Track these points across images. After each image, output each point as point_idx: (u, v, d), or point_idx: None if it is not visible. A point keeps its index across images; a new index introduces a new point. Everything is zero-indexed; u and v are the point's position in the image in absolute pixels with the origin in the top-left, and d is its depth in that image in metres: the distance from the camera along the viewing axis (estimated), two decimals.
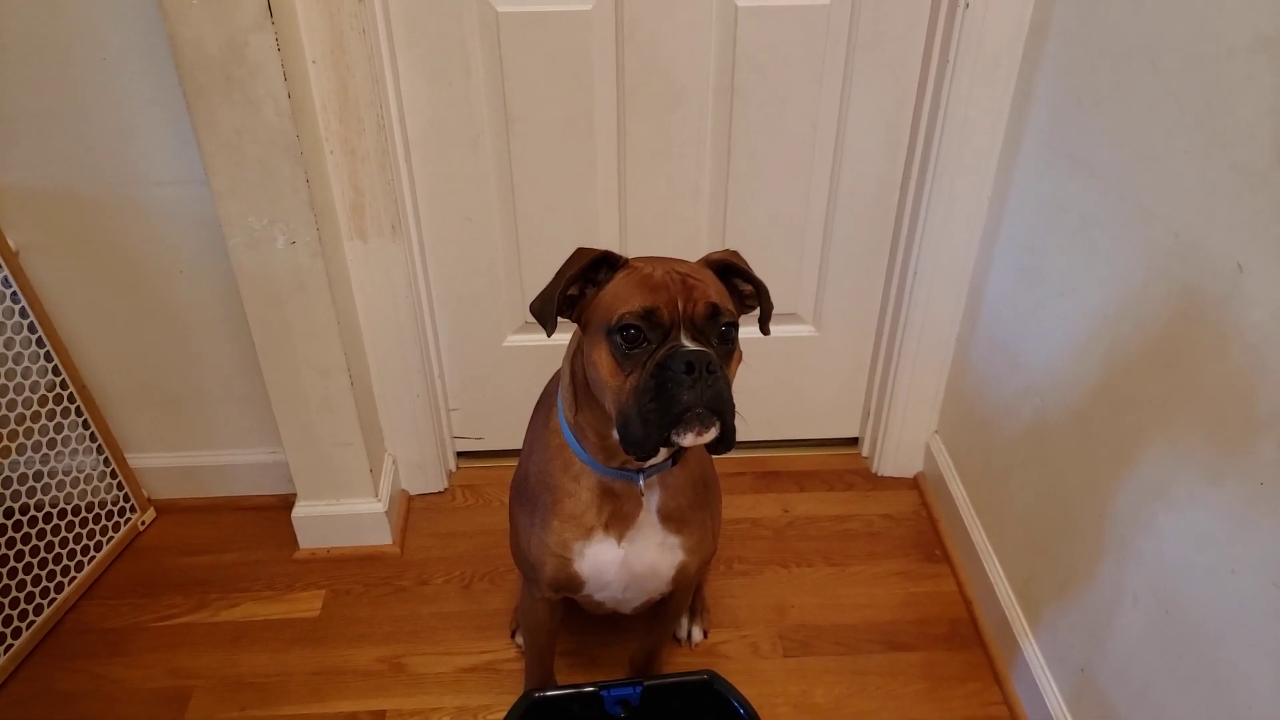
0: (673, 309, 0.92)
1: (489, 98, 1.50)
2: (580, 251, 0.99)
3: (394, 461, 1.77)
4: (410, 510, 1.82)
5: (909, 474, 1.91)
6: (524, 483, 1.17)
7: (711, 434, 0.91)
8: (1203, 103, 0.99)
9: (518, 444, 1.91)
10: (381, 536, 1.70)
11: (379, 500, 1.67)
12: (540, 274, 1.68)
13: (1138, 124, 1.11)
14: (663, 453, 0.98)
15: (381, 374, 1.67)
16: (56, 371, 1.58)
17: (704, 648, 1.54)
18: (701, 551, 1.17)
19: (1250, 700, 0.94)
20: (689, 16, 1.45)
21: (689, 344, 0.90)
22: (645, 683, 1.20)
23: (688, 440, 0.90)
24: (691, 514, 1.14)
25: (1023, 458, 1.45)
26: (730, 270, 1.04)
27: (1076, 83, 1.26)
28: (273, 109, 1.25)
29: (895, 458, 1.89)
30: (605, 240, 1.65)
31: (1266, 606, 0.91)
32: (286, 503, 1.72)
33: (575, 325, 1.06)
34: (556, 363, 1.81)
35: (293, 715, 1.44)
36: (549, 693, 1.18)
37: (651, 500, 1.10)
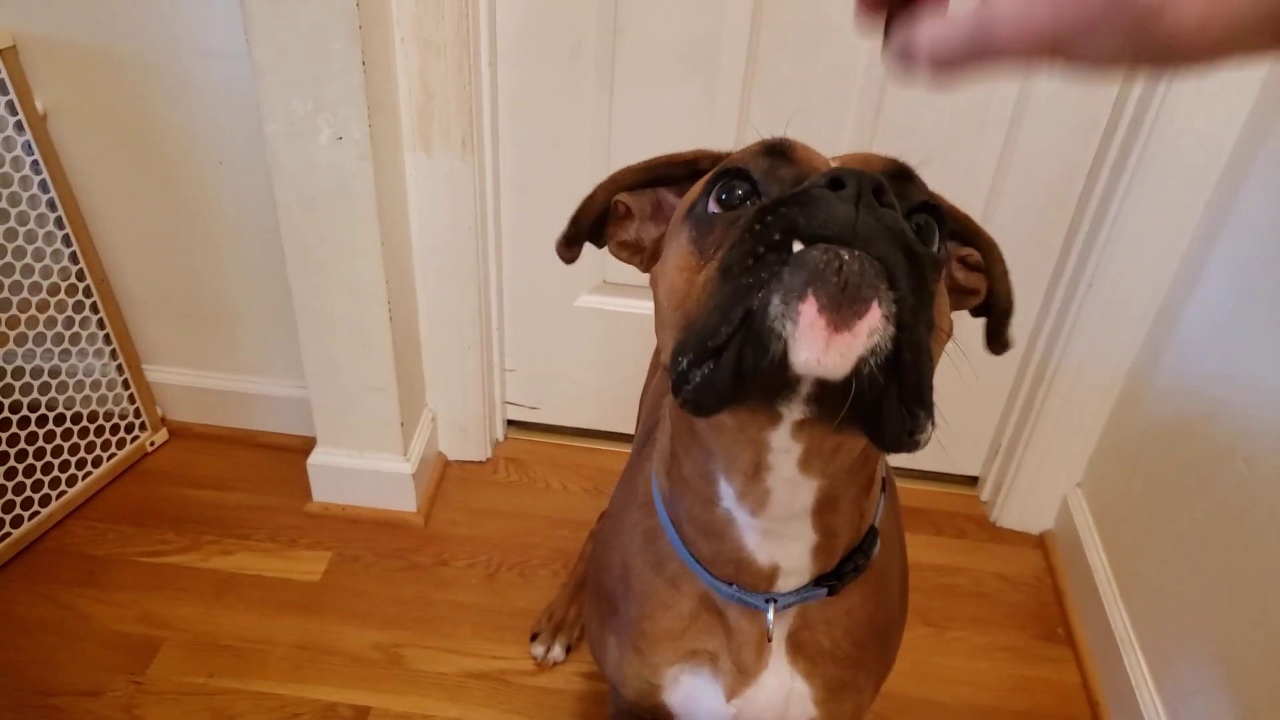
0: (818, 157, 0.51)
1: (600, 3, 1.24)
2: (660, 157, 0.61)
3: (433, 418, 1.54)
4: (444, 477, 1.58)
5: (1035, 530, 1.58)
6: (600, 570, 0.79)
7: (866, 325, 0.40)
8: None
9: (577, 421, 1.68)
10: (405, 501, 1.47)
11: (407, 460, 1.44)
12: None
13: None
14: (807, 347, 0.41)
15: (431, 314, 1.44)
16: (75, 259, 1.40)
17: None
18: (857, 711, 0.76)
19: None
20: None
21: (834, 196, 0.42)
22: None
23: (805, 331, 0.40)
24: (847, 667, 0.71)
25: (1205, 540, 1.12)
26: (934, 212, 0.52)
27: None
28: None
29: (1022, 508, 1.56)
30: None
31: None
32: (308, 446, 1.50)
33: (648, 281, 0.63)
34: (637, 338, 1.56)
35: (263, 694, 1.22)
36: None
37: (781, 627, 0.68)
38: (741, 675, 0.69)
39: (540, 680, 1.26)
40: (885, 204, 0.42)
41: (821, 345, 0.40)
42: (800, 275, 0.40)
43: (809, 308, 0.40)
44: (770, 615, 0.64)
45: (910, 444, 0.45)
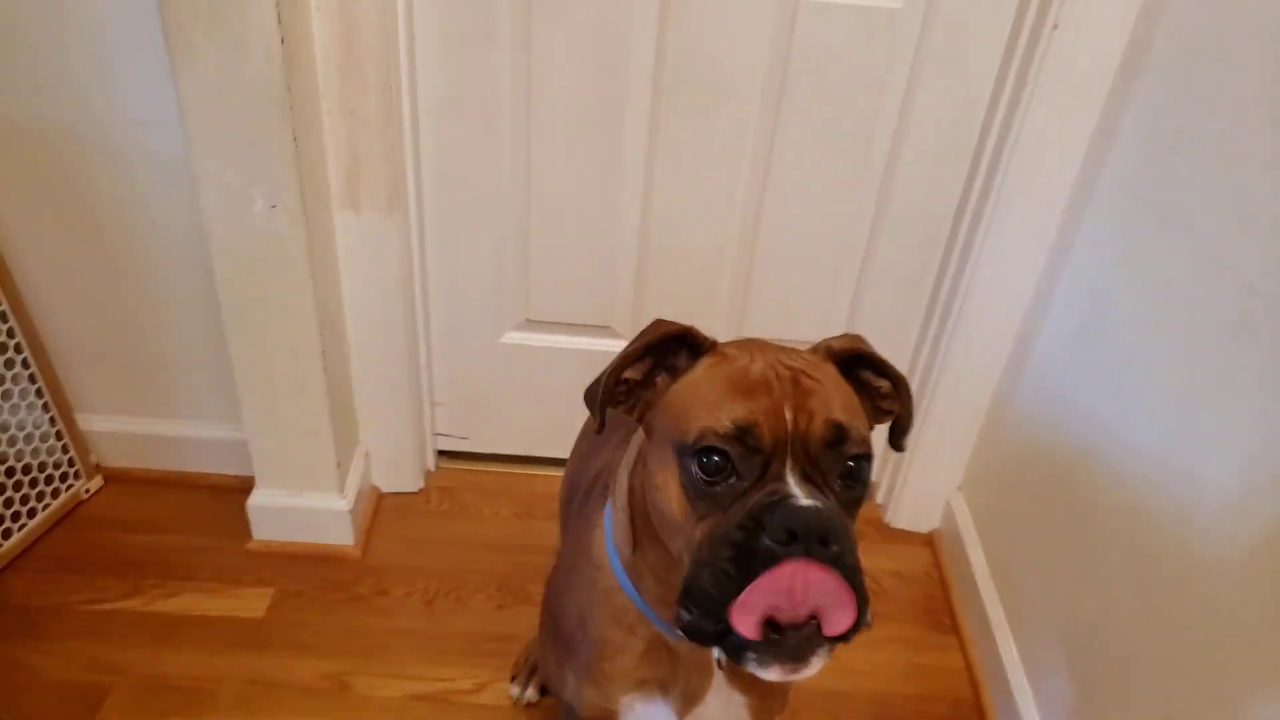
0: (778, 427, 0.65)
1: (512, 71, 1.34)
2: (656, 324, 0.73)
3: (366, 455, 1.62)
4: (379, 509, 1.67)
5: (924, 529, 1.75)
6: (557, 618, 0.91)
7: (809, 671, 0.63)
8: None
9: (504, 448, 1.78)
10: (342, 536, 1.55)
11: (343, 497, 1.52)
12: (549, 270, 1.54)
13: (1246, 181, 0.95)
14: (772, 675, 0.65)
15: (362, 358, 1.52)
16: (4, 317, 1.43)
17: None
18: (776, 713, 0.92)
19: None
20: (744, 6, 1.29)
21: (798, 492, 0.62)
22: None
23: (770, 674, 0.64)
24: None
25: (1061, 535, 1.30)
26: (860, 361, 0.75)
27: (1173, 125, 1.10)
28: (263, 54, 1.10)
29: (912, 510, 1.73)
30: (623, 241, 1.50)
31: None
32: (245, 485, 1.57)
33: (638, 425, 0.78)
34: (560, 369, 1.67)
35: None
36: None
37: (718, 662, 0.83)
38: (688, 699, 0.83)
39: (481, 698, 1.37)
40: (826, 543, 0.60)
41: (779, 677, 0.63)
42: (768, 651, 0.62)
43: (774, 668, 0.63)
44: (717, 650, 0.74)
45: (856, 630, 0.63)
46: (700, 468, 0.65)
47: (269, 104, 1.13)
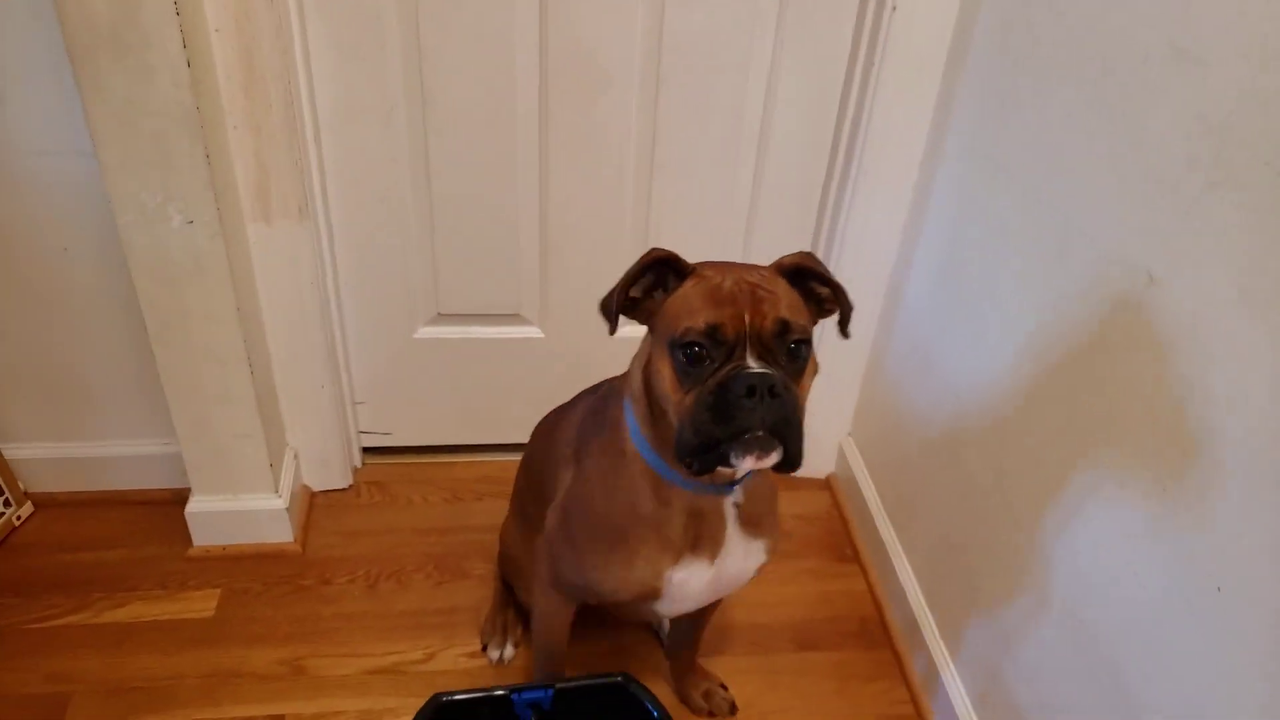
0: (738, 325, 0.88)
1: (405, 75, 1.44)
2: (650, 251, 0.94)
3: (295, 456, 1.70)
4: (313, 507, 1.74)
5: (821, 474, 1.92)
6: (596, 524, 1.09)
7: (773, 458, 0.87)
8: (1119, 111, 1.00)
9: (428, 440, 1.88)
10: (282, 534, 1.63)
11: (279, 496, 1.60)
12: (455, 264, 1.64)
13: (1057, 130, 1.13)
14: (747, 465, 0.88)
15: (284, 363, 1.59)
16: None
17: (617, 647, 1.52)
18: (778, 545, 1.16)
19: (1149, 703, 0.96)
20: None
21: (754, 364, 0.86)
22: (557, 685, 1.16)
23: (745, 464, 0.87)
24: (767, 514, 1.11)
25: (937, 462, 1.47)
26: (805, 274, 0.97)
27: (998, 88, 1.28)
28: (170, 79, 1.17)
29: (810, 458, 1.88)
30: (524, 230, 1.61)
31: (1169, 611, 0.93)
32: (179, 497, 1.63)
33: (645, 330, 1.00)
34: (473, 359, 1.77)
35: None
36: (456, 696, 1.13)
37: (732, 510, 1.05)
38: (715, 546, 1.06)
39: (430, 666, 1.47)
40: (775, 394, 0.84)
41: (752, 463, 0.87)
42: (743, 444, 0.85)
43: (749, 456, 0.86)
44: (735, 493, 1.03)
45: (798, 461, 0.89)
46: (684, 355, 0.89)
47: (180, 125, 1.21)
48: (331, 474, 1.76)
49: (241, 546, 1.62)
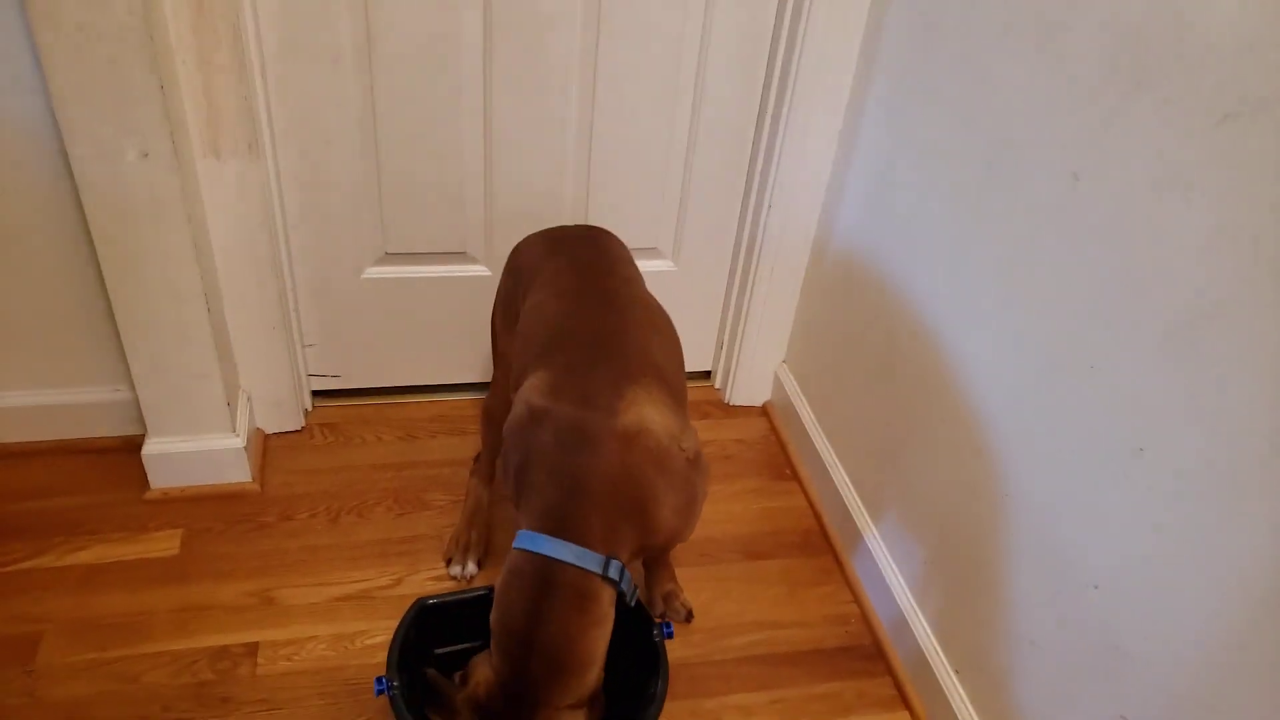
0: None
1: (351, 15, 1.46)
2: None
3: (248, 398, 1.71)
4: (267, 449, 1.76)
5: (758, 402, 2.02)
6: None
7: None
8: (1041, 26, 1.10)
9: (376, 382, 1.92)
10: (240, 474, 1.65)
11: (237, 435, 1.61)
12: (402, 203, 1.68)
13: (982, 53, 1.23)
14: None
15: (236, 304, 1.61)
16: None
17: None
18: None
19: (1087, 571, 1.08)
20: None
21: None
22: None
23: None
24: None
25: (869, 378, 1.58)
26: None
27: (924, 13, 1.37)
28: (124, 4, 1.18)
29: (746, 388, 1.99)
30: (469, 169, 1.65)
31: (1100, 478, 1.05)
32: (131, 444, 1.63)
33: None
34: (421, 299, 1.81)
35: (158, 653, 1.38)
36: (436, 600, 1.19)
37: None
38: None
39: (399, 590, 1.52)
40: None
41: None
42: None
43: None
44: None
45: None
46: None
47: (134, 53, 1.21)
48: (284, 416, 1.78)
49: (200, 488, 1.63)
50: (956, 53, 1.29)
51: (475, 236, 1.75)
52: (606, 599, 1.04)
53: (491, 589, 1.21)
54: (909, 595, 1.47)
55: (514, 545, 1.05)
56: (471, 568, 1.55)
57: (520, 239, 1.58)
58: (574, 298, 1.25)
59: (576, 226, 1.52)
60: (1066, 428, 1.08)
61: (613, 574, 1.04)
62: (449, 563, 1.56)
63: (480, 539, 1.57)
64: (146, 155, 1.30)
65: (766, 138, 1.68)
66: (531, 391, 1.12)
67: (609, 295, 1.26)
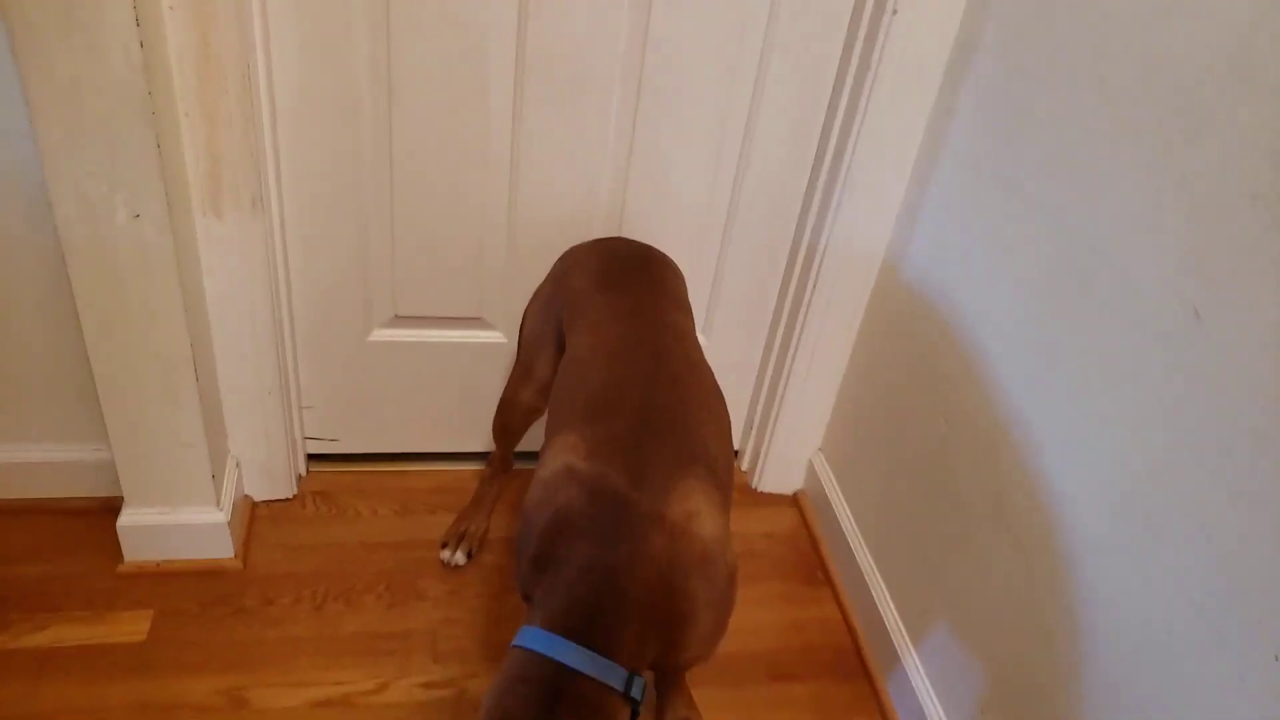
0: None
1: (371, 67, 1.34)
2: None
3: (237, 464, 1.58)
4: (254, 519, 1.63)
5: (789, 490, 1.87)
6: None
7: None
8: (1159, 135, 0.96)
9: (376, 448, 1.78)
10: (222, 549, 1.51)
11: (220, 509, 1.48)
12: (416, 264, 1.54)
13: (1078, 150, 1.08)
14: None
15: (229, 366, 1.48)
16: None
17: None
18: None
19: None
20: None
21: None
22: None
23: None
24: None
25: (919, 491, 1.43)
26: None
27: (1007, 98, 1.23)
28: (122, 59, 1.05)
29: (777, 474, 1.85)
30: (491, 231, 1.52)
31: (1202, 662, 0.90)
32: (110, 506, 1.50)
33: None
34: (430, 364, 1.68)
35: None
36: None
37: None
38: None
39: (385, 697, 1.37)
40: None
41: None
42: None
43: None
44: None
45: None
46: None
47: (130, 109, 1.09)
48: (276, 484, 1.65)
49: (177, 563, 1.50)
50: (1045, 147, 1.14)
51: (492, 302, 1.62)
52: None
53: None
54: None
55: (517, 644, 0.88)
56: (460, 556, 1.58)
57: None
58: (624, 359, 1.10)
59: (631, 245, 1.39)
60: (1173, 616, 0.93)
61: (635, 693, 0.87)
62: (443, 546, 1.59)
63: (479, 531, 1.60)
64: (138, 216, 1.17)
65: (816, 212, 1.54)
66: (570, 452, 0.97)
67: (663, 357, 1.11)
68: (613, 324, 1.17)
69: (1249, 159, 0.84)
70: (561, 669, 0.84)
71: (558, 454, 0.98)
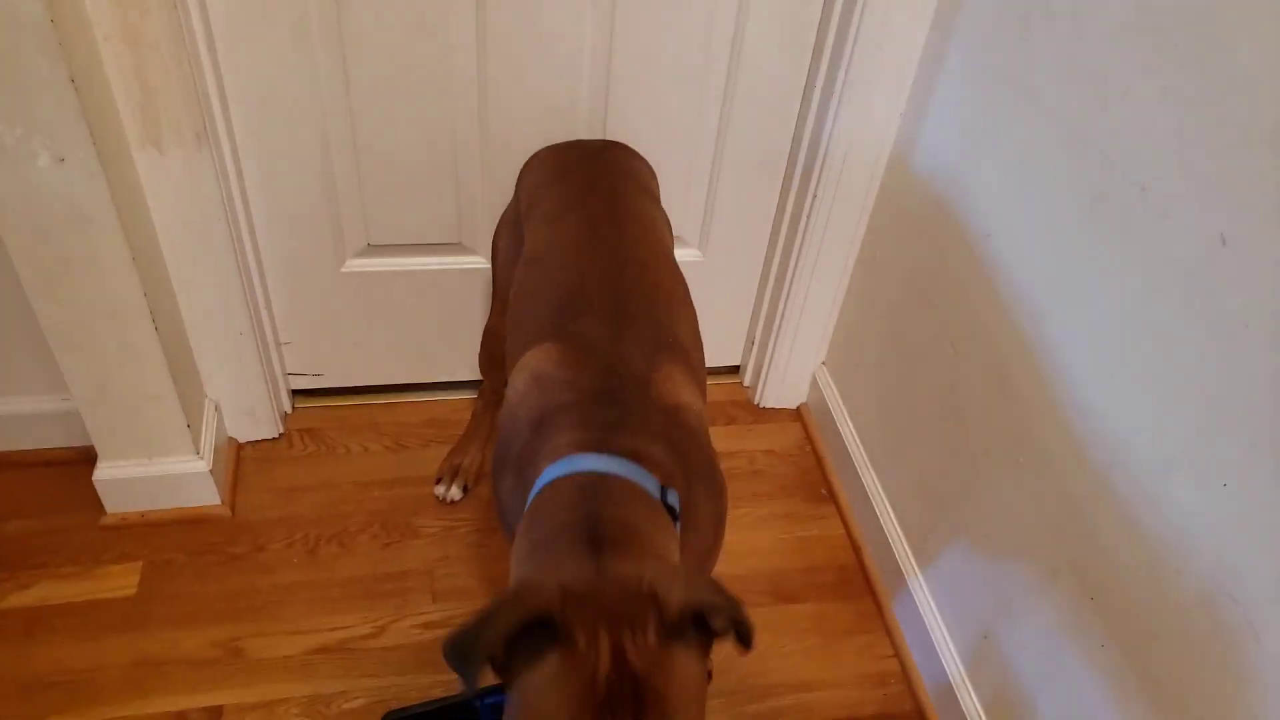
0: None
1: None
2: (514, 600, 0.65)
3: (216, 408, 1.52)
4: (240, 461, 1.57)
5: (792, 404, 1.80)
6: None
7: None
8: (1188, 44, 0.84)
9: (361, 380, 1.70)
10: (207, 496, 1.46)
11: (200, 457, 1.43)
12: (388, 192, 1.44)
13: (1098, 55, 0.96)
14: None
15: (194, 310, 1.40)
16: None
17: None
18: None
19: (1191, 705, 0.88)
20: None
21: None
22: None
23: None
24: None
25: (926, 404, 1.35)
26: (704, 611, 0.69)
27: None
28: None
29: (779, 388, 1.77)
30: (464, 148, 1.41)
31: (1216, 610, 0.84)
32: (86, 456, 1.45)
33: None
34: (411, 294, 1.58)
35: (108, 719, 1.22)
36: (409, 711, 1.01)
37: None
38: None
39: (383, 641, 1.35)
40: None
41: None
42: None
43: None
44: None
45: None
46: None
47: (33, 41, 0.98)
48: (259, 423, 1.59)
49: (162, 513, 1.46)
50: (1062, 49, 1.02)
51: (471, 225, 1.51)
52: (670, 523, 0.80)
53: (480, 693, 1.04)
54: (959, 664, 1.28)
55: (536, 487, 0.80)
56: (456, 491, 1.54)
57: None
58: (588, 252, 1.02)
59: (592, 141, 1.31)
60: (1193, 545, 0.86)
61: (671, 501, 0.80)
62: (437, 481, 1.55)
63: (474, 465, 1.56)
64: (63, 160, 1.07)
65: (815, 115, 1.42)
66: (541, 360, 0.90)
67: (627, 244, 1.04)
68: (570, 214, 1.09)
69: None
70: (595, 476, 0.78)
71: (526, 366, 0.91)
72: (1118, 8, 0.92)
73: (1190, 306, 0.84)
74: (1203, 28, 0.81)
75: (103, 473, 1.40)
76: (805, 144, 1.46)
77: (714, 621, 0.68)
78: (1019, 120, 1.10)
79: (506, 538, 0.91)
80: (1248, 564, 0.79)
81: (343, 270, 1.52)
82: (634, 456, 0.80)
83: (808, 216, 1.50)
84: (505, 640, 0.65)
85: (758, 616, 1.43)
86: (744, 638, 0.69)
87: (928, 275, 1.33)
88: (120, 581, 1.38)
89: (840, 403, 1.65)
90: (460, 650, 0.65)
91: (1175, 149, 0.85)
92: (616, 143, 1.31)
